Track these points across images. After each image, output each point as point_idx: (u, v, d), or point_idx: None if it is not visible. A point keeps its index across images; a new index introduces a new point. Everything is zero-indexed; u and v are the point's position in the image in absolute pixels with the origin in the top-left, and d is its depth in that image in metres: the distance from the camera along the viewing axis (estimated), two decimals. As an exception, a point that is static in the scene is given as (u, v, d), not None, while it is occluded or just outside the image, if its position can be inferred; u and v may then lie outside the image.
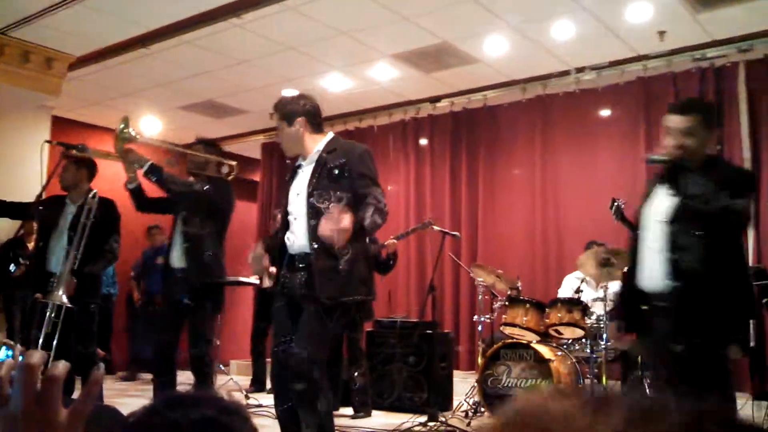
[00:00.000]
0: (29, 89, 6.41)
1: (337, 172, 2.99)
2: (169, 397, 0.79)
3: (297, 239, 3.04)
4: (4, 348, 1.76)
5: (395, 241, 5.49)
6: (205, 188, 4.15)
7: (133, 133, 4.03)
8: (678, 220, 2.64)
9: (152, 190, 4.27)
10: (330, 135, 3.21)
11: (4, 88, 6.28)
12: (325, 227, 2.72)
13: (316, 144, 3.13)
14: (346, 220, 2.69)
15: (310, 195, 2.99)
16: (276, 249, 3.16)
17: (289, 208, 3.11)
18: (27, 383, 0.72)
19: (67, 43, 6.19)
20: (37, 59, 6.33)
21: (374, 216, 2.87)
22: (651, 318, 2.77)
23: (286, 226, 3.12)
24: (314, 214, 2.93)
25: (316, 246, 2.91)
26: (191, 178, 4.41)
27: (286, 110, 3.15)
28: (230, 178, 4.36)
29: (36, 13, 5.56)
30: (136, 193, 4.26)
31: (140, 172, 4.07)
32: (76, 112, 8.09)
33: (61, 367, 0.73)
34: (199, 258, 4.14)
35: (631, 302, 2.89)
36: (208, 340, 4.11)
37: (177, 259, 4.20)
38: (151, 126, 8.31)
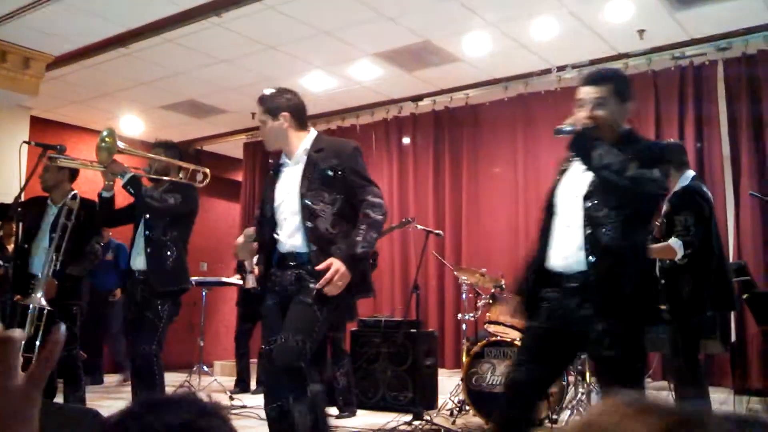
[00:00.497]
0: (6, 89, 6.33)
1: (330, 173, 2.98)
2: (147, 400, 0.77)
3: (289, 238, 3.01)
4: None
5: None
6: (179, 202, 4.09)
7: (121, 146, 3.97)
8: (594, 194, 2.51)
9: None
10: (314, 132, 3.19)
11: (-19, 89, 6.21)
12: (325, 288, 2.81)
13: (301, 141, 3.11)
14: (342, 279, 2.81)
15: (303, 196, 2.96)
16: (264, 248, 3.12)
17: (278, 207, 3.08)
18: None
19: (45, 42, 6.12)
20: (14, 59, 6.25)
21: (368, 235, 2.89)
22: (558, 302, 2.58)
23: (272, 224, 3.09)
24: (310, 215, 2.93)
25: (314, 249, 2.91)
26: (152, 184, 4.30)
27: (271, 104, 3.11)
28: (203, 184, 4.28)
29: (13, 11, 5.48)
30: (108, 203, 4.18)
31: (118, 181, 4.00)
32: (55, 112, 8.00)
33: (18, 332, 0.73)
34: (162, 264, 4.08)
35: (534, 286, 2.68)
36: (159, 343, 4.02)
37: (139, 262, 4.13)
38: (132, 126, 8.25)
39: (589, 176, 2.55)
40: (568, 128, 2.59)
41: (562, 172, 2.75)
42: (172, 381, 5.33)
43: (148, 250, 4.08)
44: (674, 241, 3.62)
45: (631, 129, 2.69)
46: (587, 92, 2.64)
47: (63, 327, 0.77)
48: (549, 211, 2.71)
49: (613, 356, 2.39)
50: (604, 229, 2.44)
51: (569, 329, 2.52)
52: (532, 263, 2.73)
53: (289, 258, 3.01)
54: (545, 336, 2.60)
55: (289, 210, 3.03)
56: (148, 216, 4.12)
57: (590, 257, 2.45)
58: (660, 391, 4.92)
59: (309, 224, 2.92)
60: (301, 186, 2.99)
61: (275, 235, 3.06)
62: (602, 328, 2.39)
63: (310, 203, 2.95)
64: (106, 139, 3.90)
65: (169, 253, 4.11)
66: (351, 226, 2.93)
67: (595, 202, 2.49)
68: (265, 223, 3.13)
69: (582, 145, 2.54)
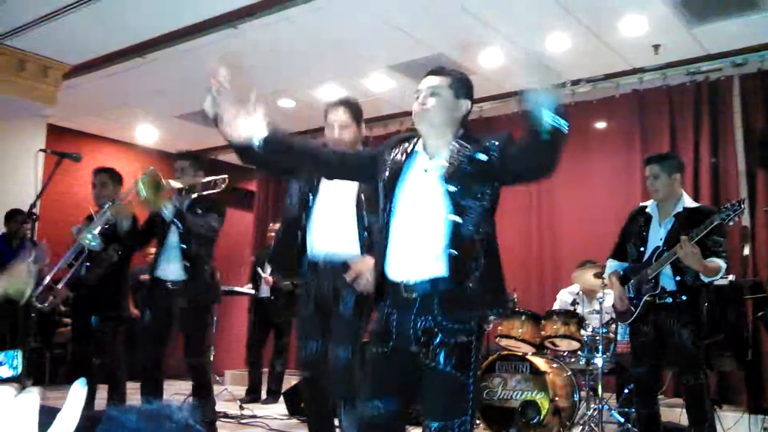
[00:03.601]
0: (24, 98, 6.39)
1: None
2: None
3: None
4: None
5: None
6: (220, 224, 4.24)
7: (166, 186, 3.94)
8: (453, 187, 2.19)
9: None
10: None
11: (-1, 97, 6.28)
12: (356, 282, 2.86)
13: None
14: (368, 274, 2.77)
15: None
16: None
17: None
18: None
19: (63, 52, 6.19)
20: (32, 68, 6.32)
21: None
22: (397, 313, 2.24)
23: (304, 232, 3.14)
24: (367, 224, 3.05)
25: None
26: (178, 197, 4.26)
27: (358, 109, 3.29)
28: (219, 189, 4.34)
29: (31, 21, 5.55)
30: (131, 233, 4.41)
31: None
32: (72, 121, 8.07)
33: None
34: (204, 278, 4.21)
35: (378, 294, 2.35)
36: (208, 347, 4.32)
37: (171, 272, 4.17)
38: (147, 135, 8.31)
39: (434, 181, 2.26)
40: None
41: (400, 169, 2.35)
42: (183, 390, 5.33)
43: (186, 264, 4.13)
44: (722, 262, 3.51)
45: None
46: (427, 82, 2.35)
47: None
48: (386, 212, 2.35)
49: (443, 370, 2.12)
50: (464, 242, 2.17)
51: (407, 348, 2.22)
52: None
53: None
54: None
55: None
56: (182, 230, 4.13)
57: (451, 277, 2.18)
58: (673, 409, 4.87)
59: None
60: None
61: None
62: (440, 341, 2.13)
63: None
64: (152, 183, 3.87)
65: (206, 267, 4.23)
66: None
67: (451, 212, 2.20)
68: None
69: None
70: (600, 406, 4.84)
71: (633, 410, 4.85)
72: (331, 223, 3.08)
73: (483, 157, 2.21)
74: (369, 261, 2.78)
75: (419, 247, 2.20)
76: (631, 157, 6.43)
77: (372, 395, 2.23)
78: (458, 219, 2.15)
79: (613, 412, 4.84)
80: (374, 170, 2.39)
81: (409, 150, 2.35)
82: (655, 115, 6.38)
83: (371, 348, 2.29)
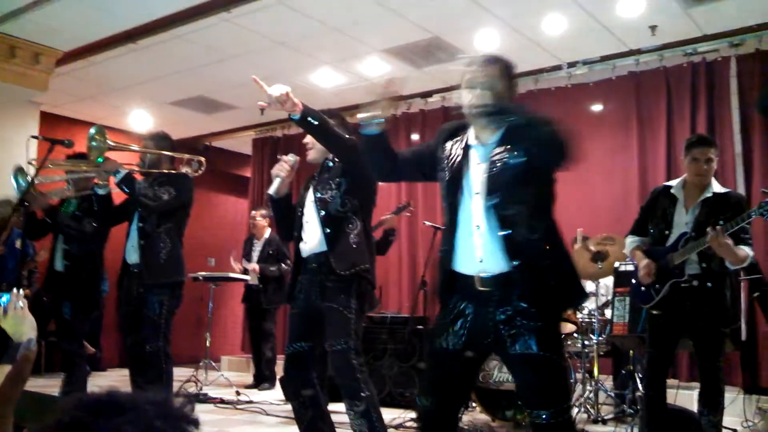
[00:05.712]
0: (16, 84, 6.35)
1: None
2: (94, 403, 0.69)
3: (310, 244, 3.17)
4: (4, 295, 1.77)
5: (393, 216, 5.37)
6: (173, 196, 4.04)
7: (111, 143, 3.96)
8: (496, 190, 2.19)
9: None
10: None
11: (-10, 84, 6.24)
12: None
13: None
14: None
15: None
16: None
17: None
18: None
19: (55, 38, 6.13)
20: (24, 54, 6.27)
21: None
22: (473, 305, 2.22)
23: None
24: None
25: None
26: (141, 177, 4.23)
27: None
28: (198, 174, 4.21)
29: (23, 7, 5.50)
30: (105, 201, 4.19)
31: (112, 180, 3.99)
32: (65, 108, 8.03)
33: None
34: (156, 257, 4.04)
35: (445, 290, 2.34)
36: (165, 337, 4.00)
37: (132, 255, 4.11)
38: (141, 121, 8.26)
39: (482, 169, 2.25)
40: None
41: (459, 162, 2.35)
42: (179, 376, 5.33)
43: (142, 242, 4.04)
44: (749, 250, 3.44)
45: None
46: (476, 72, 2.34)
47: (33, 342, 0.73)
48: (451, 208, 2.33)
49: (537, 353, 2.10)
50: (522, 229, 2.16)
51: (481, 341, 2.20)
52: (441, 267, 2.39)
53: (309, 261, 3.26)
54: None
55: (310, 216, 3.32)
56: (140, 209, 4.09)
57: (514, 261, 2.14)
58: (691, 391, 4.88)
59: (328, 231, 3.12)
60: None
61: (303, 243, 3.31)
62: (526, 327, 2.11)
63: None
64: (96, 138, 3.87)
65: (162, 245, 4.06)
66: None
67: (503, 201, 2.18)
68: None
69: (497, 109, 2.24)
70: (595, 387, 4.85)
71: (628, 392, 4.87)
72: (308, 228, 3.18)
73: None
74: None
75: (488, 240, 2.19)
76: (628, 140, 6.41)
77: (426, 391, 2.28)
78: (512, 210, 2.15)
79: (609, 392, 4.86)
80: (434, 165, 2.41)
81: (463, 143, 2.35)
82: (652, 96, 6.35)
83: (435, 341, 2.28)
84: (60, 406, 0.69)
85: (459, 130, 2.40)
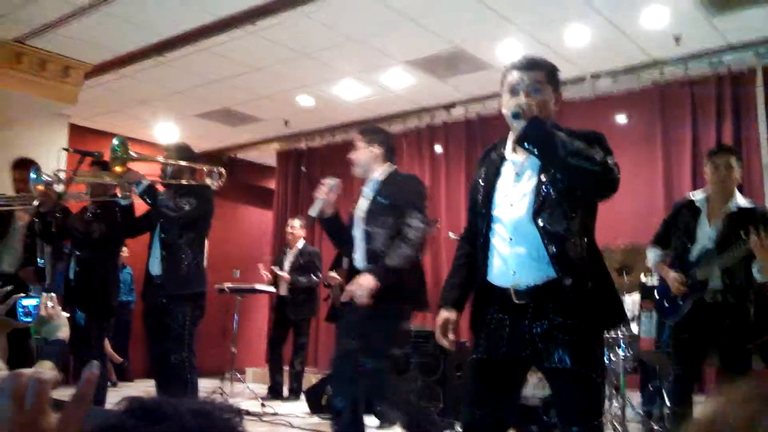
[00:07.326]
0: (46, 97, 6.47)
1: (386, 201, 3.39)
2: (140, 406, 0.69)
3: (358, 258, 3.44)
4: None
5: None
6: (194, 207, 4.09)
7: (134, 154, 4.02)
8: (545, 207, 2.15)
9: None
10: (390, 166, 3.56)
11: (21, 97, 6.35)
12: (352, 290, 3.21)
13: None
14: (367, 285, 3.15)
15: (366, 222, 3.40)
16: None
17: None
18: (15, 390, 0.69)
19: (84, 51, 6.25)
20: (54, 68, 6.39)
21: (399, 250, 3.23)
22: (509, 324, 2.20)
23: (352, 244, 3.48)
24: (368, 238, 3.35)
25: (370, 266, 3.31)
26: (164, 189, 4.31)
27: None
28: (219, 185, 4.25)
29: (53, 21, 5.61)
30: (128, 212, 4.26)
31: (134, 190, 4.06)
32: (94, 120, 8.15)
33: (49, 372, 0.71)
34: (177, 268, 4.08)
35: (481, 302, 2.31)
36: (189, 346, 4.03)
37: (155, 266, 4.16)
38: (167, 134, 8.36)
39: (530, 183, 2.20)
40: (516, 111, 2.17)
41: (494, 174, 2.31)
42: (204, 387, 5.37)
43: (164, 253, 4.10)
44: None
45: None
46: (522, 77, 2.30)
47: (95, 364, 0.73)
48: (485, 219, 2.28)
49: (571, 368, 2.08)
50: (568, 245, 2.12)
51: (519, 353, 2.18)
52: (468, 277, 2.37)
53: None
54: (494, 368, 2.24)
55: (358, 232, 3.58)
56: (162, 219, 4.14)
57: (565, 279, 2.10)
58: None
59: (368, 246, 3.37)
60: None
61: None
62: (562, 341, 2.09)
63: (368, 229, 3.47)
64: (118, 149, 3.93)
65: (184, 256, 4.10)
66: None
67: (549, 215, 2.14)
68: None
69: (540, 131, 2.12)
70: (622, 404, 4.79)
71: (655, 408, 4.80)
72: (357, 241, 3.44)
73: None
74: (364, 280, 3.16)
75: (521, 253, 2.18)
76: (652, 152, 6.35)
77: (471, 402, 2.28)
78: (550, 225, 2.14)
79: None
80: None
81: (499, 155, 2.33)
82: (676, 108, 6.29)
83: (476, 353, 2.28)
84: (109, 411, 0.70)
85: (490, 152, 2.42)
